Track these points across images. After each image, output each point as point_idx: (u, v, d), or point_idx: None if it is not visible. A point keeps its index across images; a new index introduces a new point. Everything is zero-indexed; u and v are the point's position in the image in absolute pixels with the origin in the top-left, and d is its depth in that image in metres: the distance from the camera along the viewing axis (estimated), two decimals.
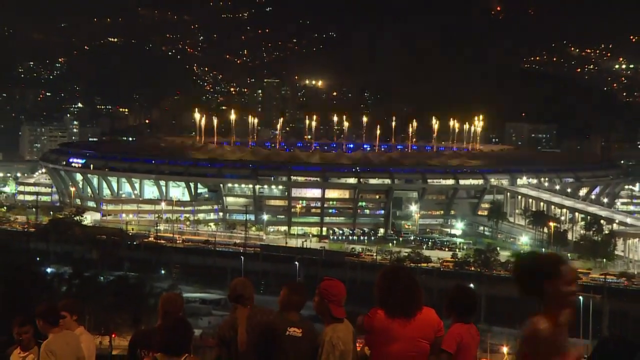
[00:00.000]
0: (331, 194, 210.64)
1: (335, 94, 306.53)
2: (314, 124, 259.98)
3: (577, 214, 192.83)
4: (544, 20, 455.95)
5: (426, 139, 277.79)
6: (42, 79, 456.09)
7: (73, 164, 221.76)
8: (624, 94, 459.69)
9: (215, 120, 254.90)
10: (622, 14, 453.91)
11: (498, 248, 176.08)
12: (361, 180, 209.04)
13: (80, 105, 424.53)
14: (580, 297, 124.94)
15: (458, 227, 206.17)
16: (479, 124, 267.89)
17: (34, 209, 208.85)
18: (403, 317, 10.55)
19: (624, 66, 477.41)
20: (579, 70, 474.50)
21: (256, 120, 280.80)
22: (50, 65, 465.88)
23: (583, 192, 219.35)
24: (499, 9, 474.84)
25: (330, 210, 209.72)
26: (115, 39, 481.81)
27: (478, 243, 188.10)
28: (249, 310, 12.55)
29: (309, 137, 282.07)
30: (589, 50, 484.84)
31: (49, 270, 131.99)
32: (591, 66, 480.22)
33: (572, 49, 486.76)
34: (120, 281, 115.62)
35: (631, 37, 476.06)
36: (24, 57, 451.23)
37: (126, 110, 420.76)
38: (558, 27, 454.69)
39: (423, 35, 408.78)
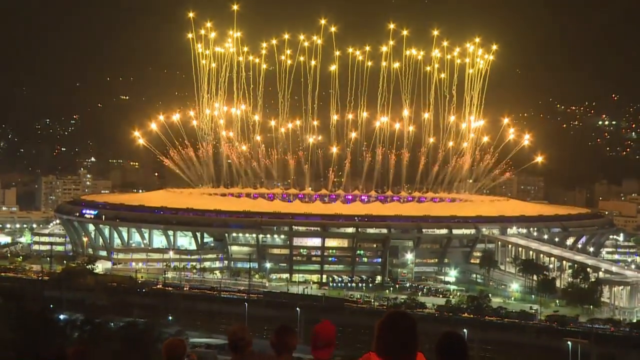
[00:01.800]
0: (331, 243, 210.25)
1: (335, 148, 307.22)
2: (314, 176, 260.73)
3: (564, 262, 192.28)
4: (530, 79, 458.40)
5: (420, 188, 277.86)
6: (58, 135, 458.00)
7: (86, 215, 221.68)
8: (607, 148, 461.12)
9: (221, 173, 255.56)
10: (605, 74, 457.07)
11: (490, 295, 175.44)
12: (359, 229, 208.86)
13: (93, 159, 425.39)
14: (569, 342, 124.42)
15: (452, 274, 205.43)
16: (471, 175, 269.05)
17: (48, 258, 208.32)
18: None
19: (606, 122, 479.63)
20: (564, 125, 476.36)
21: (259, 173, 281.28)
22: (66, 122, 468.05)
23: (570, 241, 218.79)
24: (487, 69, 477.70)
25: (330, 259, 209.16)
26: (127, 97, 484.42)
27: (471, 290, 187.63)
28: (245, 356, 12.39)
29: (310, 189, 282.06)
30: (573, 108, 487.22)
31: (61, 317, 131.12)
32: (576, 122, 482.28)
33: (558, 106, 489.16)
34: (130, 327, 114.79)
35: (613, 95, 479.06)
36: (40, 115, 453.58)
37: (136, 164, 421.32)
38: (544, 86, 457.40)
39: None
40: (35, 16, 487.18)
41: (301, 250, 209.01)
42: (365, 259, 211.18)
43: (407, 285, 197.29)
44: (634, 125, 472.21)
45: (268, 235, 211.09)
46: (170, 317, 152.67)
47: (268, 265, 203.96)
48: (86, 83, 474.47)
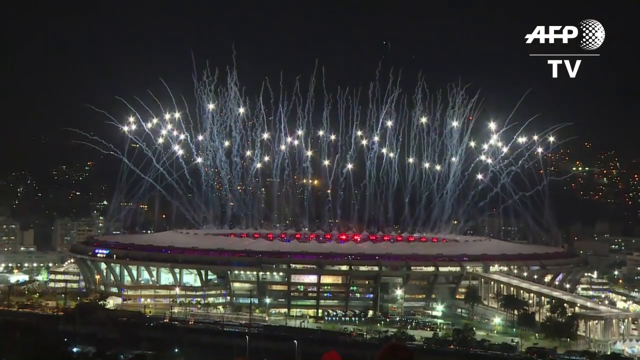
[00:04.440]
0: (326, 279, 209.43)
1: (329, 191, 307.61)
2: (310, 217, 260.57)
3: (543, 298, 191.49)
4: (510, 128, 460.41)
5: (409, 230, 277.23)
6: (73, 180, 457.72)
7: (98, 255, 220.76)
8: (581, 192, 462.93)
9: (226, 214, 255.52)
10: (578, 124, 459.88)
11: (474, 328, 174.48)
12: (352, 267, 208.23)
13: (105, 202, 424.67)
14: None
15: (438, 309, 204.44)
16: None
17: (63, 295, 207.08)
18: None
19: (580, 169, 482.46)
20: (541, 171, 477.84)
21: (259, 215, 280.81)
22: (80, 168, 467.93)
23: (548, 278, 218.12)
24: (470, 118, 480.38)
25: (325, 294, 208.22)
26: (137, 145, 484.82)
27: (456, 323, 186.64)
28: None
29: (307, 229, 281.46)
30: (550, 155, 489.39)
31: (75, 349, 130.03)
32: (552, 168, 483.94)
33: (535, 153, 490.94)
34: (139, 359, 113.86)
35: (585, 144, 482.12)
36: (57, 161, 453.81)
37: (145, 206, 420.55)
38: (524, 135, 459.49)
39: None
40: (49, 69, 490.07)
41: (298, 287, 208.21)
42: (358, 295, 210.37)
43: (397, 319, 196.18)
44: (605, 172, 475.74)
45: (268, 273, 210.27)
46: (176, 350, 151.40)
47: (268, 300, 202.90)
48: (100, 132, 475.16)
